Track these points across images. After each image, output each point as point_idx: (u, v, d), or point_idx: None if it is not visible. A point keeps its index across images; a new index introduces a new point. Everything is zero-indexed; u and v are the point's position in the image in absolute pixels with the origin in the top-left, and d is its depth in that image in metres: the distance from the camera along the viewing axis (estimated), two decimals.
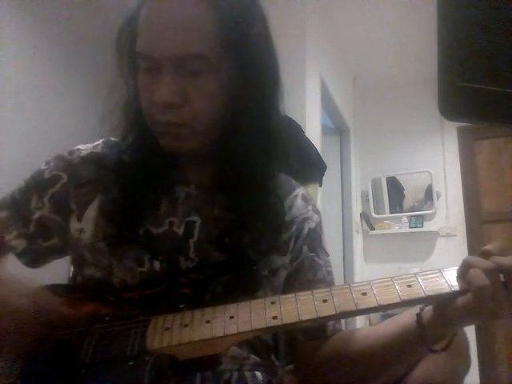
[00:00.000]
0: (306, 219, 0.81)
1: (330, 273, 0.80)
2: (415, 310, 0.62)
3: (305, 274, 0.77)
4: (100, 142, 0.82)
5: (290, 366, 0.82)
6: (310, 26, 2.83)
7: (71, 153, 0.79)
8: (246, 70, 0.68)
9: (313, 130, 2.67)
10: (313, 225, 0.81)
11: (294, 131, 1.94)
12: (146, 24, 0.65)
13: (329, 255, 0.83)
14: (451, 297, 0.55)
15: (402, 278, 0.57)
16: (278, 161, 0.77)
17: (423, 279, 0.56)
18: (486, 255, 0.55)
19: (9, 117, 1.86)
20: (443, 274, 0.56)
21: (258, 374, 0.72)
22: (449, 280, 0.55)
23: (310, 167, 1.99)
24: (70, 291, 0.71)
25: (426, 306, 0.61)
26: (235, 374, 0.69)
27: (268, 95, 0.72)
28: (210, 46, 0.64)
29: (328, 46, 3.35)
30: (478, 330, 3.36)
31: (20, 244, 0.76)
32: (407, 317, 0.64)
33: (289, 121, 1.88)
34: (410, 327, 0.62)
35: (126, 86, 0.73)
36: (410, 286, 0.56)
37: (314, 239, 0.81)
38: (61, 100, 2.12)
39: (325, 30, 3.23)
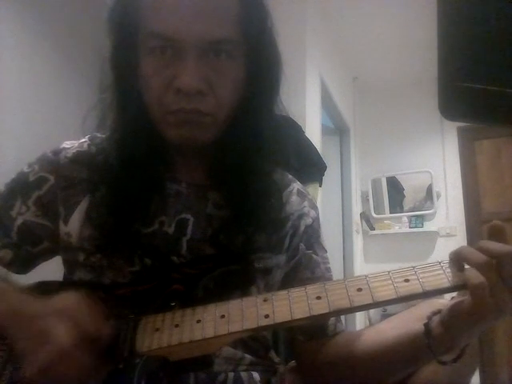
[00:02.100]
0: (301, 216, 0.78)
1: (328, 269, 0.79)
2: (422, 315, 0.60)
3: (302, 272, 0.76)
4: (86, 138, 0.77)
5: (293, 363, 0.81)
6: (310, 26, 2.83)
7: (56, 153, 0.74)
8: (257, 61, 0.67)
9: (313, 130, 2.67)
10: (309, 221, 0.79)
11: (294, 131, 1.94)
12: (166, 1, 0.61)
13: (326, 251, 0.81)
14: (451, 291, 0.53)
15: (399, 272, 0.54)
16: (275, 157, 0.75)
17: (422, 273, 0.53)
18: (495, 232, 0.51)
19: (9, 117, 1.86)
20: (443, 268, 0.53)
21: (255, 374, 0.70)
22: (448, 274, 0.53)
23: (310, 167, 1.99)
24: (62, 288, 0.66)
25: (434, 315, 0.58)
26: (231, 375, 0.67)
27: (273, 90, 0.71)
28: (236, 31, 0.63)
29: (328, 46, 3.35)
30: None
31: (6, 254, 0.71)
32: (415, 324, 0.60)
33: (289, 121, 1.88)
34: (417, 337, 0.59)
35: (118, 71, 0.68)
36: (407, 280, 0.53)
37: (311, 236, 0.78)
38: (61, 100, 2.12)
39: (325, 29, 3.23)
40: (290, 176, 0.84)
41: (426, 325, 0.58)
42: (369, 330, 0.72)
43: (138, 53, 0.65)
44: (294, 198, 0.79)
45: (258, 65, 0.67)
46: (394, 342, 0.64)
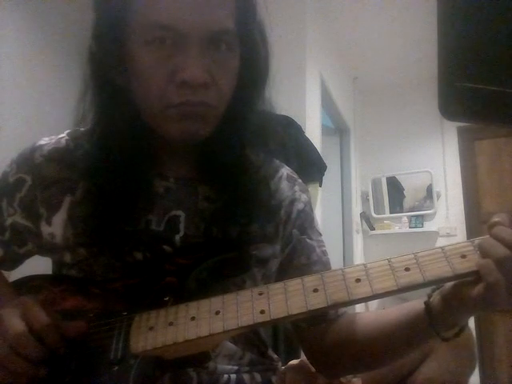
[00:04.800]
0: (293, 201, 0.76)
1: (324, 253, 0.77)
2: (425, 294, 0.59)
3: (298, 258, 0.74)
4: (64, 134, 0.74)
5: (292, 362, 0.81)
6: (310, 26, 2.82)
7: (33, 150, 0.71)
8: (249, 53, 0.66)
9: (313, 130, 2.67)
10: (301, 206, 0.77)
11: (294, 131, 1.94)
12: None
13: (321, 234, 0.79)
14: (454, 280, 0.51)
15: (399, 261, 0.53)
16: (263, 147, 0.75)
17: (423, 261, 0.51)
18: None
19: (9, 115, 1.86)
20: (446, 254, 0.51)
21: (257, 375, 0.70)
22: (451, 262, 0.50)
23: (310, 167, 1.99)
24: (53, 283, 0.67)
25: (433, 291, 0.58)
26: (233, 377, 0.67)
27: (263, 82, 0.70)
28: (233, 22, 0.62)
29: (328, 46, 3.35)
30: (479, 330, 3.36)
31: None
32: (416, 304, 0.60)
33: (289, 121, 1.88)
34: (419, 315, 0.58)
35: (100, 63, 0.64)
36: (408, 269, 0.51)
37: (305, 220, 0.77)
38: (60, 98, 2.12)
39: (325, 29, 3.23)
40: (278, 161, 0.82)
41: (427, 303, 0.58)
42: (370, 313, 0.72)
43: (126, 44, 0.62)
44: (285, 184, 0.78)
45: (249, 57, 0.67)
46: (395, 324, 0.63)
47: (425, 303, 0.58)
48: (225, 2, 0.62)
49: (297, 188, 0.79)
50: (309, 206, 0.79)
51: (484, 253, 0.49)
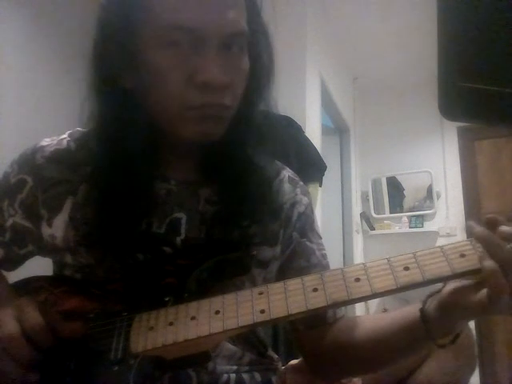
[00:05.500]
0: (294, 204, 0.77)
1: (324, 256, 0.77)
2: (425, 294, 0.59)
3: (298, 261, 0.75)
4: (66, 135, 0.74)
5: (292, 362, 0.81)
6: (310, 26, 2.82)
7: (34, 151, 0.71)
8: (255, 54, 0.67)
9: (313, 130, 2.67)
10: (302, 209, 0.77)
11: (294, 131, 1.94)
12: None
13: (321, 237, 0.79)
14: (453, 279, 0.52)
15: (399, 260, 0.53)
16: (265, 148, 0.74)
17: (423, 260, 0.52)
18: (492, 225, 0.51)
19: (9, 116, 1.86)
20: (445, 254, 0.51)
21: (257, 374, 0.71)
22: (451, 261, 0.50)
23: (310, 167, 1.99)
24: (53, 284, 0.68)
25: (428, 298, 0.58)
26: (232, 377, 0.67)
27: (267, 83, 0.70)
28: (245, 23, 0.63)
29: (328, 46, 3.35)
30: (479, 330, 3.36)
31: None
32: (412, 310, 0.60)
33: (289, 121, 1.88)
34: (415, 322, 0.59)
35: (111, 66, 0.63)
36: (407, 268, 0.52)
37: (305, 223, 0.77)
38: (60, 97, 2.12)
39: (325, 29, 3.23)
40: (280, 163, 0.82)
41: (422, 310, 0.58)
42: (368, 317, 0.72)
43: (137, 46, 0.61)
44: (286, 186, 0.78)
45: (256, 57, 0.67)
46: (393, 328, 0.63)
47: (420, 310, 0.58)
48: (237, 3, 0.62)
49: (298, 190, 0.79)
50: (309, 208, 0.79)
51: (490, 252, 0.49)
